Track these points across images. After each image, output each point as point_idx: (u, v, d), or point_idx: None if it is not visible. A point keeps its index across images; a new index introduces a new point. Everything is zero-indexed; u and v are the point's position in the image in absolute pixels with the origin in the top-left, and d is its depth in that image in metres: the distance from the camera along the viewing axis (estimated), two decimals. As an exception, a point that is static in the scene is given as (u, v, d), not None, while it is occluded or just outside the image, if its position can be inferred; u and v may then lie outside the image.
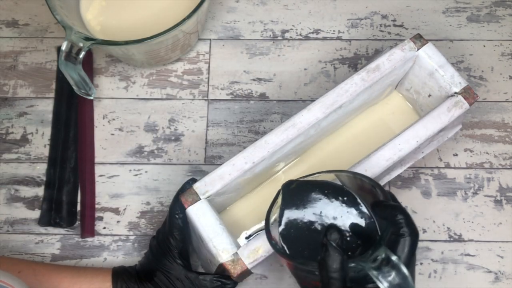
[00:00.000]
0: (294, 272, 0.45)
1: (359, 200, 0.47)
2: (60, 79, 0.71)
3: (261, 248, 0.52)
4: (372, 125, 0.67)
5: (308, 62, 0.73)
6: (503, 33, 0.74)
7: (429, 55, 0.59)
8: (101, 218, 0.67)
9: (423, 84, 0.62)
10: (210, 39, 0.74)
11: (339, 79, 0.72)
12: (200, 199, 0.54)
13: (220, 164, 0.56)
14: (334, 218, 0.46)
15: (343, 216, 0.46)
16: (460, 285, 0.64)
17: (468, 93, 0.58)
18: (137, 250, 0.65)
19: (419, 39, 0.60)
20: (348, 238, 0.45)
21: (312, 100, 0.59)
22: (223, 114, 0.71)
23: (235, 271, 0.51)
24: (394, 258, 0.39)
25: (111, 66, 0.73)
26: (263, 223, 0.62)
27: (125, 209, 0.67)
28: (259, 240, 0.52)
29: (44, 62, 0.73)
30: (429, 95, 0.62)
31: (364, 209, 0.46)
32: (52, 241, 0.66)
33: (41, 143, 0.70)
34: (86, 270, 0.59)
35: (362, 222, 0.46)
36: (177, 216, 0.55)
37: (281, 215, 0.48)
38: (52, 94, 0.72)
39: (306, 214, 0.47)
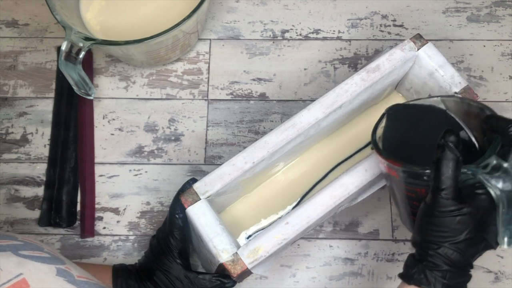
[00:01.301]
0: (400, 183, 0.45)
1: (462, 125, 0.46)
2: (60, 79, 0.71)
3: (261, 248, 0.52)
4: (372, 125, 0.66)
5: (308, 62, 0.73)
6: (503, 33, 0.74)
7: (429, 55, 0.59)
8: (101, 218, 0.67)
9: (423, 84, 0.61)
10: (210, 39, 0.74)
11: (339, 79, 0.72)
12: (200, 199, 0.54)
13: (220, 164, 0.56)
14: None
15: None
16: (460, 285, 0.64)
17: (468, 93, 0.58)
18: (137, 250, 0.65)
19: (419, 39, 0.59)
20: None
21: (312, 100, 0.59)
22: (223, 114, 0.71)
23: (235, 271, 0.51)
24: (506, 164, 0.39)
25: (111, 66, 0.73)
26: (263, 223, 0.63)
27: (125, 209, 0.67)
28: (259, 240, 0.52)
29: (44, 62, 0.73)
30: (429, 95, 0.62)
31: (465, 134, 0.45)
32: (52, 241, 0.66)
33: (41, 143, 0.70)
34: (87, 266, 0.59)
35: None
36: (177, 216, 0.55)
37: (385, 132, 0.49)
38: (52, 94, 0.72)
39: (409, 132, 0.49)
